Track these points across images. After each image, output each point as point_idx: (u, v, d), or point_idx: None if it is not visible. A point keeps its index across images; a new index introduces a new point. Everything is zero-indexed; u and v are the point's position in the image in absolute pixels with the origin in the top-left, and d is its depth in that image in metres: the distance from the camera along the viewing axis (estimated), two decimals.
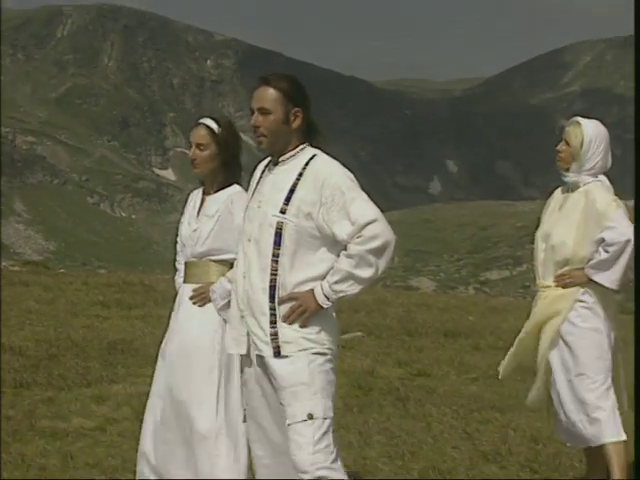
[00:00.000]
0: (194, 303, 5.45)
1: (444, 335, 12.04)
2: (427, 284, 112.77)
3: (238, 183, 5.55)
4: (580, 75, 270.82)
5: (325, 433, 4.41)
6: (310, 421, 4.40)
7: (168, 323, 5.62)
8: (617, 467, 5.98)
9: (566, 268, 6.13)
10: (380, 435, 7.67)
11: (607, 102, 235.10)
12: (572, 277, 6.09)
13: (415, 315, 13.69)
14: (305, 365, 4.43)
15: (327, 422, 4.44)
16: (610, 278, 6.01)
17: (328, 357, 4.51)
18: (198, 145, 5.51)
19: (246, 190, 5.28)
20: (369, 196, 4.49)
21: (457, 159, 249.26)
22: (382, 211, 4.45)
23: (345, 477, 4.46)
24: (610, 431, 5.92)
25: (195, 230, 5.52)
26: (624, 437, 5.96)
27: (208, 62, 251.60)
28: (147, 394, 5.56)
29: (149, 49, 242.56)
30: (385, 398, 8.82)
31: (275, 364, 4.48)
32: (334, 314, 4.61)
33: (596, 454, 6.09)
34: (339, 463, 4.46)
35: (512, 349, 6.33)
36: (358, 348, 10.67)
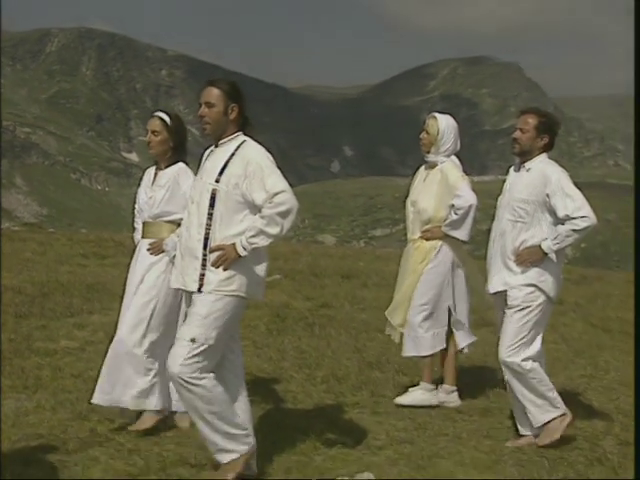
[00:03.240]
0: (151, 253, 5.43)
1: (341, 276, 12.10)
2: (329, 239, 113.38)
3: (183, 161, 5.54)
4: (439, 84, 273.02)
5: (198, 354, 4.35)
6: (190, 342, 4.35)
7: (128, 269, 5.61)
8: (427, 372, 6.20)
9: (428, 226, 6.23)
10: (293, 351, 7.70)
11: (459, 104, 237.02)
12: (433, 233, 6.20)
13: (320, 262, 13.72)
14: (210, 301, 4.41)
15: (204, 347, 4.36)
16: (462, 233, 6.15)
17: (237, 300, 4.47)
18: (153, 132, 5.50)
19: (191, 168, 5.28)
20: (283, 173, 4.49)
21: (352, 145, 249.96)
22: (296, 185, 4.46)
23: (208, 392, 4.38)
24: (423, 347, 6.13)
25: (151, 197, 5.49)
26: (430, 352, 6.15)
27: (163, 72, 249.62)
28: (116, 323, 5.51)
29: (118, 61, 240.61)
30: (297, 324, 8.84)
31: (195, 297, 4.46)
32: (260, 266, 4.56)
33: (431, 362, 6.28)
34: (206, 380, 4.38)
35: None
36: (277, 287, 10.68)
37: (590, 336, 9.10)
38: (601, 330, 9.41)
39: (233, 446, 4.46)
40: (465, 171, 6.30)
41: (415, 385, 6.29)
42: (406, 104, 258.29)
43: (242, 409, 4.61)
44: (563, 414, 5.33)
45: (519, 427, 5.50)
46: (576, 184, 5.32)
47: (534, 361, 5.29)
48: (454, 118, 6.39)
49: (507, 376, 5.35)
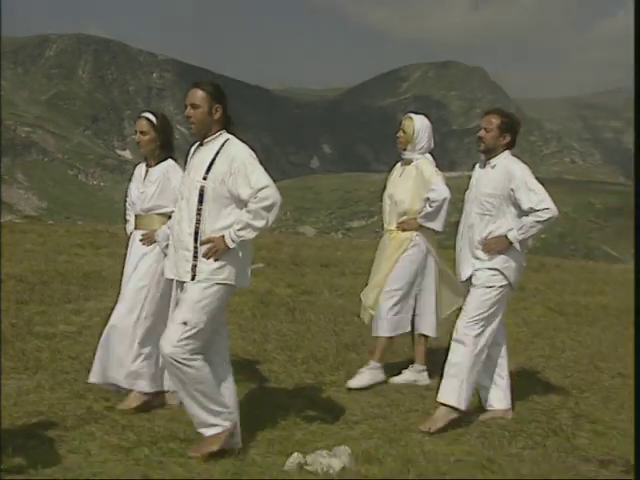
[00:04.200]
0: (143, 244, 5.41)
1: (320, 265, 12.11)
2: (309, 231, 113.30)
3: (172, 158, 5.50)
4: (412, 86, 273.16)
5: (190, 337, 4.34)
6: (183, 325, 4.35)
7: (125, 258, 5.58)
8: (380, 352, 6.19)
9: (404, 217, 6.22)
10: (275, 334, 7.69)
11: (429, 105, 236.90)
12: (409, 224, 6.20)
13: (301, 252, 13.72)
14: (202, 288, 4.40)
15: (195, 330, 4.35)
16: (436, 224, 6.16)
17: (226, 288, 4.46)
18: (141, 132, 5.46)
19: (180, 163, 5.26)
20: (266, 169, 4.48)
21: (330, 143, 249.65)
22: (278, 180, 4.45)
23: (196, 372, 4.37)
24: (388, 328, 6.12)
25: (142, 192, 5.46)
26: (391, 334, 6.14)
27: (154, 75, 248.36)
28: (111, 309, 5.49)
29: (112, 65, 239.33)
30: (279, 309, 8.84)
31: (188, 286, 4.44)
32: (246, 256, 4.54)
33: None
34: (196, 362, 4.37)
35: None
36: (261, 275, 10.65)
37: (548, 319, 9.16)
38: (558, 314, 9.47)
39: (217, 421, 4.47)
40: (437, 167, 6.32)
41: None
42: (381, 105, 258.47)
43: (227, 388, 4.61)
44: (458, 411, 5.15)
45: (483, 403, 5.54)
46: (537, 179, 5.34)
47: (484, 347, 5.22)
48: (428, 118, 6.40)
49: (452, 347, 5.25)
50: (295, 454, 4.36)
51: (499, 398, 5.49)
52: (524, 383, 6.23)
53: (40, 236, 14.11)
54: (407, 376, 6.27)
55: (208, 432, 4.48)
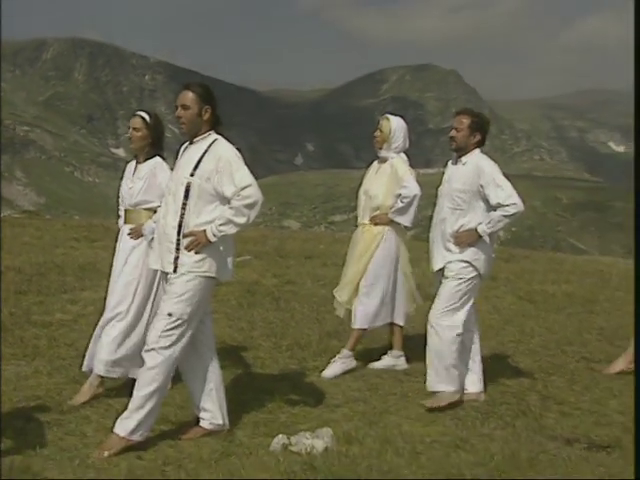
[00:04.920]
0: (131, 238, 5.37)
1: (304, 257, 12.08)
2: (294, 224, 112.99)
3: (160, 155, 5.46)
4: (391, 88, 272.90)
5: (174, 328, 4.33)
6: (168, 317, 4.34)
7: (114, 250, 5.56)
8: (353, 341, 6.17)
9: (377, 212, 6.21)
10: (261, 322, 7.67)
11: (407, 106, 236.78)
12: (381, 218, 6.19)
13: (285, 244, 13.69)
14: (185, 281, 4.37)
15: (180, 321, 4.34)
16: (406, 219, 6.15)
17: (208, 280, 4.43)
18: (134, 128, 5.42)
19: (170, 162, 5.22)
20: (253, 167, 4.46)
21: (314, 142, 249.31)
22: (264, 176, 4.48)
23: (174, 362, 4.37)
24: (360, 321, 6.12)
25: (131, 188, 5.42)
26: (365, 326, 6.13)
27: (146, 77, 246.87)
28: (104, 299, 5.46)
29: (106, 67, 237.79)
30: (265, 299, 8.81)
31: (171, 277, 4.42)
32: (228, 250, 4.52)
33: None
34: (174, 349, 4.34)
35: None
36: (247, 267, 10.62)
37: (518, 307, 9.19)
38: (527, 301, 9.50)
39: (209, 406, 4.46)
40: (412, 165, 6.32)
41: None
42: (361, 105, 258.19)
43: (214, 373, 4.60)
44: (455, 391, 5.26)
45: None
46: (507, 175, 5.35)
47: (458, 334, 5.25)
48: (404, 119, 6.40)
49: (429, 338, 5.30)
50: (280, 435, 4.36)
51: (473, 382, 5.51)
52: (495, 367, 6.25)
53: (38, 230, 14.01)
54: (386, 362, 6.28)
55: (129, 425, 4.34)
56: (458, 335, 5.27)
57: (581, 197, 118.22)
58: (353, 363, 6.16)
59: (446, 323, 5.24)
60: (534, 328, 8.02)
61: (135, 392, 4.36)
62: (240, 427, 4.65)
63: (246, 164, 4.44)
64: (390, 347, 6.40)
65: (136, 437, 4.29)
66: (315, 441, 4.28)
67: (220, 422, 4.59)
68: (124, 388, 5.36)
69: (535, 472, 4.03)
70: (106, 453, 4.17)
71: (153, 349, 4.34)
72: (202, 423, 4.59)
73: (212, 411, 4.57)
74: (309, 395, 5.39)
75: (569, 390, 5.77)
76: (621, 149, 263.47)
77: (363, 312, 6.13)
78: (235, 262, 4.64)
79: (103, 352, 5.21)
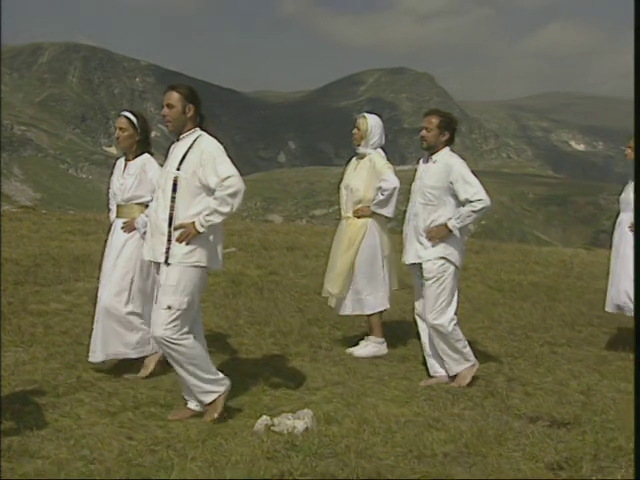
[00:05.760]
0: (125, 231, 5.34)
1: (286, 249, 12.06)
2: (277, 218, 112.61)
3: (149, 152, 5.42)
4: (367, 90, 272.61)
5: (176, 319, 4.32)
6: (168, 310, 4.32)
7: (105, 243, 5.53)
8: (376, 328, 6.22)
9: (359, 205, 6.21)
10: (246, 311, 7.66)
11: (383, 106, 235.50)
12: (363, 211, 6.19)
13: (269, 237, 13.66)
14: (178, 273, 4.35)
15: (179, 312, 4.33)
16: (388, 210, 6.16)
17: (199, 269, 4.41)
18: (120, 128, 5.39)
19: (159, 158, 5.20)
20: (237, 163, 4.45)
21: (295, 140, 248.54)
22: (249, 173, 4.44)
23: (189, 350, 4.37)
24: (367, 307, 6.19)
25: (122, 184, 5.39)
26: (373, 311, 6.19)
27: (137, 79, 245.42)
28: (98, 289, 5.43)
29: (99, 70, 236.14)
30: (249, 288, 8.79)
31: (163, 268, 4.40)
32: (217, 240, 4.49)
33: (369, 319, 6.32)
34: (187, 341, 4.36)
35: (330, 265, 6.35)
36: (233, 258, 10.60)
37: (487, 295, 9.24)
38: (496, 290, 9.55)
39: (213, 388, 4.47)
40: (388, 159, 6.32)
41: (361, 340, 6.33)
42: (340, 106, 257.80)
43: (202, 357, 4.58)
44: (472, 365, 5.43)
45: (430, 370, 5.58)
46: (476, 172, 5.35)
47: (455, 324, 5.34)
48: (380, 117, 6.39)
49: (432, 333, 5.40)
50: (263, 417, 4.35)
51: (442, 365, 5.53)
52: None
53: (34, 224, 13.90)
54: (368, 348, 6.24)
55: (208, 399, 4.48)
56: (455, 324, 5.35)
57: (545, 192, 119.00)
58: (384, 350, 6.19)
59: (442, 320, 5.30)
60: (502, 315, 8.07)
61: (188, 384, 4.47)
62: (225, 409, 4.64)
63: (232, 160, 4.43)
64: (367, 333, 6.40)
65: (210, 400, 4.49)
66: (296, 422, 4.28)
67: (207, 403, 4.57)
68: (114, 370, 5.35)
69: (501, 448, 4.06)
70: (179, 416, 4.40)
71: (164, 343, 4.33)
72: (189, 404, 4.59)
73: (218, 391, 4.54)
74: (291, 379, 5.39)
75: (533, 372, 5.81)
76: (581, 147, 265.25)
77: (373, 299, 6.16)
78: (223, 253, 4.63)
79: (122, 339, 5.23)
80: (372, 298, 6.17)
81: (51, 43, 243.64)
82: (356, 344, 6.35)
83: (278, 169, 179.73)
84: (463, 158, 5.38)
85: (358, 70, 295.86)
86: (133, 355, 5.31)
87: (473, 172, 5.29)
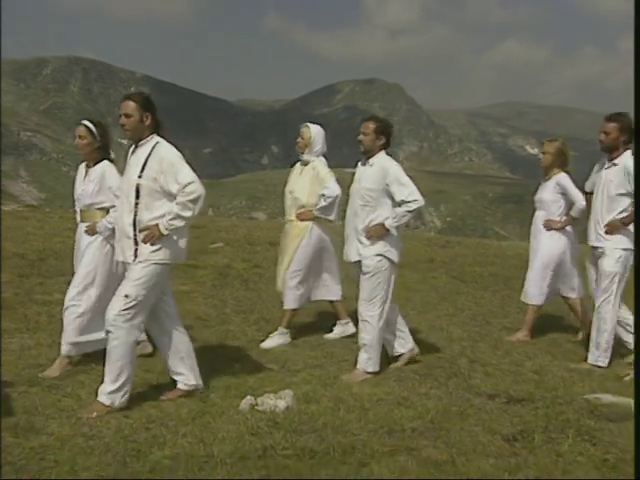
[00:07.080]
0: (87, 234, 5.20)
1: (269, 244, 12.02)
2: (261, 216, 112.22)
3: (108, 159, 5.24)
4: (343, 99, 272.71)
5: (130, 308, 4.22)
6: (125, 298, 4.23)
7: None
8: (287, 320, 6.10)
9: (302, 209, 6.12)
10: (232, 301, 7.65)
11: (357, 114, 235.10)
12: (306, 215, 6.07)
13: (253, 233, 13.63)
14: (141, 268, 4.27)
15: (135, 302, 4.23)
16: (330, 215, 6.04)
17: (162, 266, 4.31)
18: (79, 136, 5.20)
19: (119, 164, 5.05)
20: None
21: (277, 145, 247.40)
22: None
23: (134, 337, 4.28)
24: (288, 303, 6.05)
25: (83, 190, 5.22)
26: (296, 306, 6.06)
27: (132, 89, 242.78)
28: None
29: (98, 81, 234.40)
30: (235, 280, 8.79)
31: (131, 266, 4.31)
32: (180, 238, 4.37)
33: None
34: (131, 324, 4.23)
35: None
36: (220, 253, 10.58)
37: (451, 285, 9.29)
38: (459, 281, 9.60)
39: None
40: (336, 165, 6.21)
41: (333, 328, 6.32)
42: (319, 113, 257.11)
43: (182, 343, 4.55)
44: (411, 349, 5.40)
45: (390, 352, 5.46)
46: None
47: (380, 318, 5.17)
48: (323, 128, 6.28)
49: (360, 325, 5.22)
50: (248, 397, 4.35)
51: (401, 344, 5.46)
52: (432, 337, 6.32)
53: (39, 221, 13.81)
54: (337, 331, 6.27)
55: (106, 399, 4.23)
56: (384, 319, 5.21)
57: (503, 192, 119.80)
58: (288, 339, 6.09)
59: (374, 313, 5.14)
60: (465, 303, 8.12)
61: (107, 366, 4.26)
62: (213, 390, 4.63)
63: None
64: (337, 319, 6.41)
65: (117, 404, 4.23)
66: (278, 401, 4.28)
67: (194, 382, 4.56)
68: None
69: (464, 423, 4.09)
70: (94, 414, 4.12)
71: (113, 326, 4.23)
72: (178, 385, 4.57)
73: (185, 374, 4.53)
74: (273, 362, 5.39)
75: (492, 354, 5.85)
76: (535, 151, 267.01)
77: (291, 296, 6.07)
78: (187, 245, 4.46)
79: (89, 331, 5.09)
80: (299, 293, 6.08)
81: (54, 57, 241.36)
82: (330, 330, 6.36)
83: (262, 171, 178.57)
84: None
85: (335, 81, 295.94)
86: (102, 346, 5.04)
87: (407, 175, 5.14)
